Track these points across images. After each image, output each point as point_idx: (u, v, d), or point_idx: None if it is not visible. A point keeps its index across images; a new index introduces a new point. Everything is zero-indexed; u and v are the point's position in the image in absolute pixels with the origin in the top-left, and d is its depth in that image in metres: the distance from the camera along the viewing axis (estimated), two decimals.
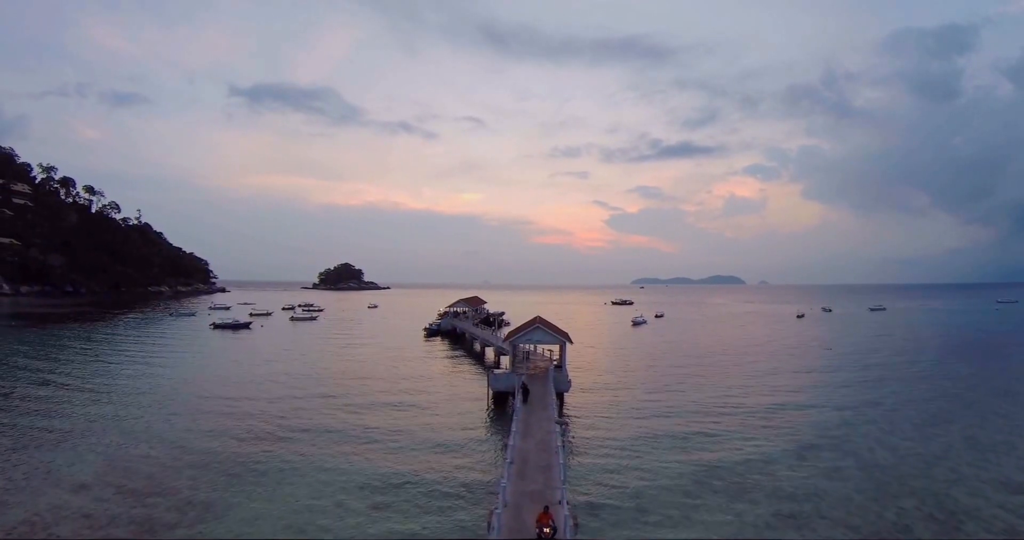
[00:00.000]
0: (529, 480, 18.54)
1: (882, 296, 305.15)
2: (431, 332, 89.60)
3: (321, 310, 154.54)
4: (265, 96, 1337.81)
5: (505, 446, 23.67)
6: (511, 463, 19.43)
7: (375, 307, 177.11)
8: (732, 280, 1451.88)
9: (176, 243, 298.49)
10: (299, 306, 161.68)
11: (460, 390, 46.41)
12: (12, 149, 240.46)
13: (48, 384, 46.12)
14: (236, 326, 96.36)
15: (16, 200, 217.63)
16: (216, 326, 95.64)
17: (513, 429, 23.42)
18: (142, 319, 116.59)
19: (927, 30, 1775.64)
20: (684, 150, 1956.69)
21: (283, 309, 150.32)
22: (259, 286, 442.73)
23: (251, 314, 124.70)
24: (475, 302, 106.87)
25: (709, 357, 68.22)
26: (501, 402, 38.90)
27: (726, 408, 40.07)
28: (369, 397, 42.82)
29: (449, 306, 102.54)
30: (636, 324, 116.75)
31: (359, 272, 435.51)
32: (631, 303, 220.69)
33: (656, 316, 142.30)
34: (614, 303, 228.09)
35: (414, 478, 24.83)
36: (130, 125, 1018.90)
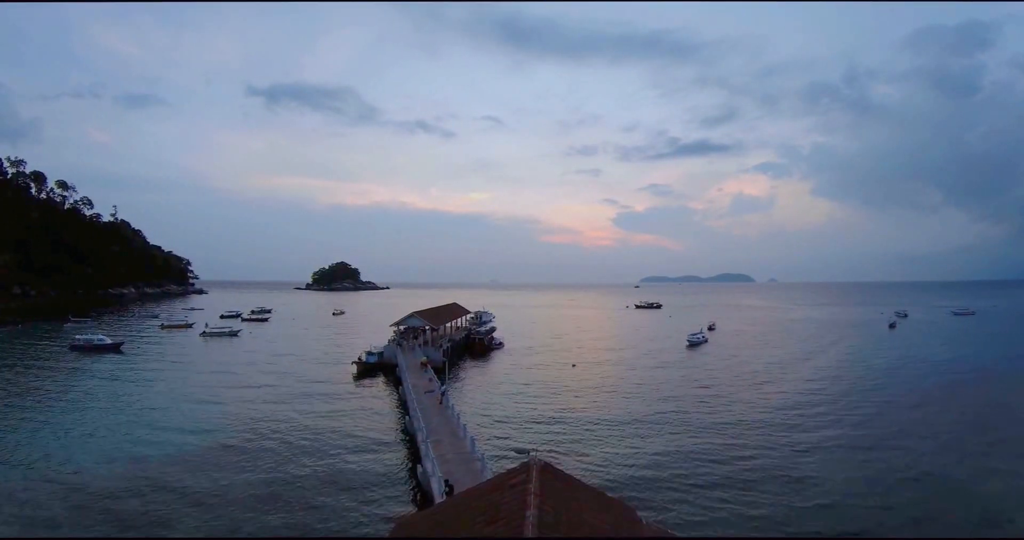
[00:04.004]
0: None
1: (897, 295, 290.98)
2: (365, 367, 60.49)
3: (265, 318, 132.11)
4: (283, 96, 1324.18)
5: None
6: None
7: (341, 314, 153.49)
8: (741, 278, 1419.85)
9: (185, 245, 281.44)
10: (252, 311, 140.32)
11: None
12: None
13: None
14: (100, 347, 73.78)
15: None
16: (74, 347, 73.91)
17: None
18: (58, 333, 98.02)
19: (949, 26, 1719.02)
20: (700, 148, 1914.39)
21: (220, 317, 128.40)
22: (248, 287, 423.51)
23: (162, 325, 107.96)
24: (445, 314, 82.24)
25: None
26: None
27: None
28: None
29: (404, 318, 71.00)
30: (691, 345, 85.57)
31: (355, 271, 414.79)
32: (659, 306, 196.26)
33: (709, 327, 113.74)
34: (639, 307, 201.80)
35: None
36: (145, 127, 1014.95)
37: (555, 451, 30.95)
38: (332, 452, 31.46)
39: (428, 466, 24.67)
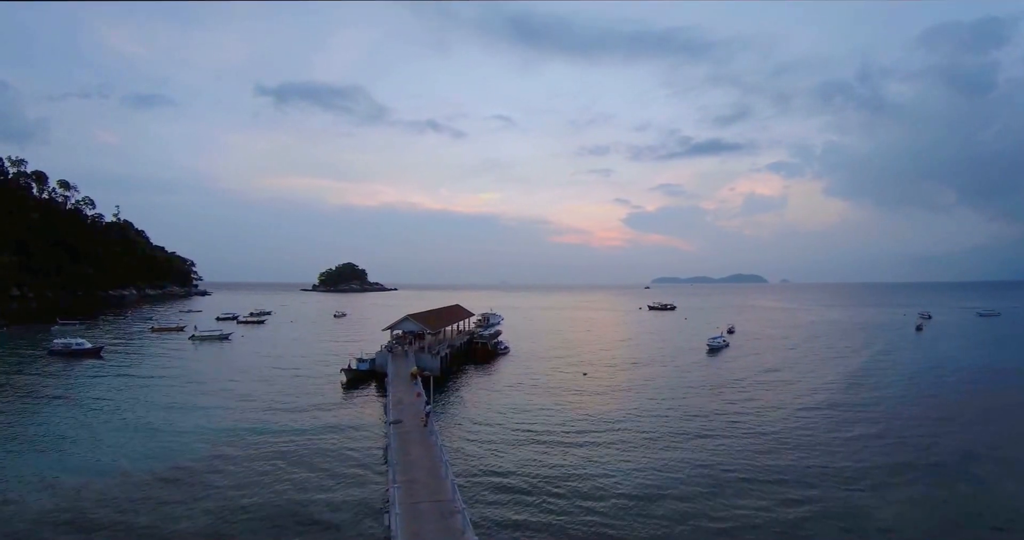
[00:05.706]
0: None
1: (913, 296, 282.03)
2: (356, 376, 55.02)
3: (262, 321, 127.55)
4: (292, 95, 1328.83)
5: None
6: None
7: (343, 316, 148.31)
8: (754, 279, 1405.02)
9: (192, 246, 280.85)
10: (251, 314, 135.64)
11: None
12: None
13: None
14: (79, 352, 69.18)
15: None
16: (52, 352, 68.87)
17: None
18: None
19: (964, 23, 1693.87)
20: (712, 147, 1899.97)
21: (216, 319, 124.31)
22: (253, 288, 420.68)
23: (152, 328, 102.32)
24: (445, 317, 76.92)
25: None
26: None
27: None
28: None
29: (398, 322, 65.09)
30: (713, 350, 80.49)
31: (363, 272, 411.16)
32: (672, 307, 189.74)
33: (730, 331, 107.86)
34: (652, 308, 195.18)
35: None
36: (152, 127, 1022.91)
37: (554, 511, 24.18)
38: (284, 505, 25.33)
39: (393, 523, 18.85)
